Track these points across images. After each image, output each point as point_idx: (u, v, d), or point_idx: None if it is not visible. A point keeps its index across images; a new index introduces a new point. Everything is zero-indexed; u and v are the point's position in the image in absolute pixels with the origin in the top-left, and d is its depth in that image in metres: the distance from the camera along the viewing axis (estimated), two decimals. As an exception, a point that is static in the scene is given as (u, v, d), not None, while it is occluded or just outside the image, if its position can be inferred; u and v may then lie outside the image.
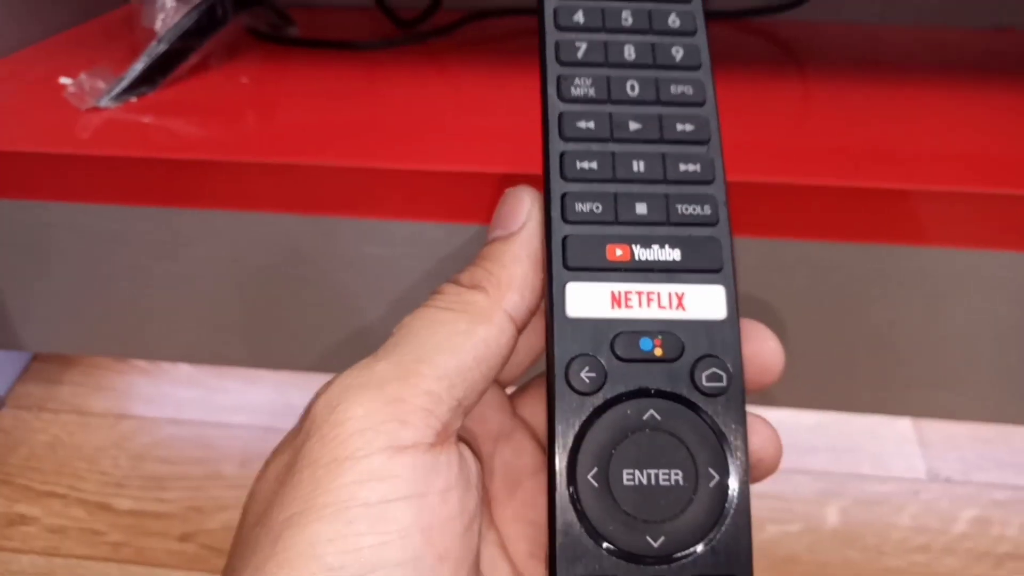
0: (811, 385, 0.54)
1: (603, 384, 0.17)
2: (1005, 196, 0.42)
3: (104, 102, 0.50)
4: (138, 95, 0.51)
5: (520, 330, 0.18)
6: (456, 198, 0.44)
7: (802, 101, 0.50)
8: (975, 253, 0.46)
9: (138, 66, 0.50)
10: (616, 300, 0.17)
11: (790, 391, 0.54)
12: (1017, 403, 0.54)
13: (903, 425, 0.62)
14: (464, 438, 0.18)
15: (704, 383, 0.17)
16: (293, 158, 0.45)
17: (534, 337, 0.20)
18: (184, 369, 0.66)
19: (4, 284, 0.56)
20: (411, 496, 0.15)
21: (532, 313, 0.18)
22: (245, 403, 0.63)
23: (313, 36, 0.58)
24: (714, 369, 0.17)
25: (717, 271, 0.18)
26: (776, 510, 0.57)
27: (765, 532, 0.55)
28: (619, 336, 0.17)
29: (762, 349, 0.18)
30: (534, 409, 0.21)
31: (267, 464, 0.17)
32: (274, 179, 0.46)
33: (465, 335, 0.17)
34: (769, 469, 0.19)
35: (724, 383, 0.17)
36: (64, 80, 0.51)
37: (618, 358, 0.17)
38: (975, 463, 0.60)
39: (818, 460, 0.60)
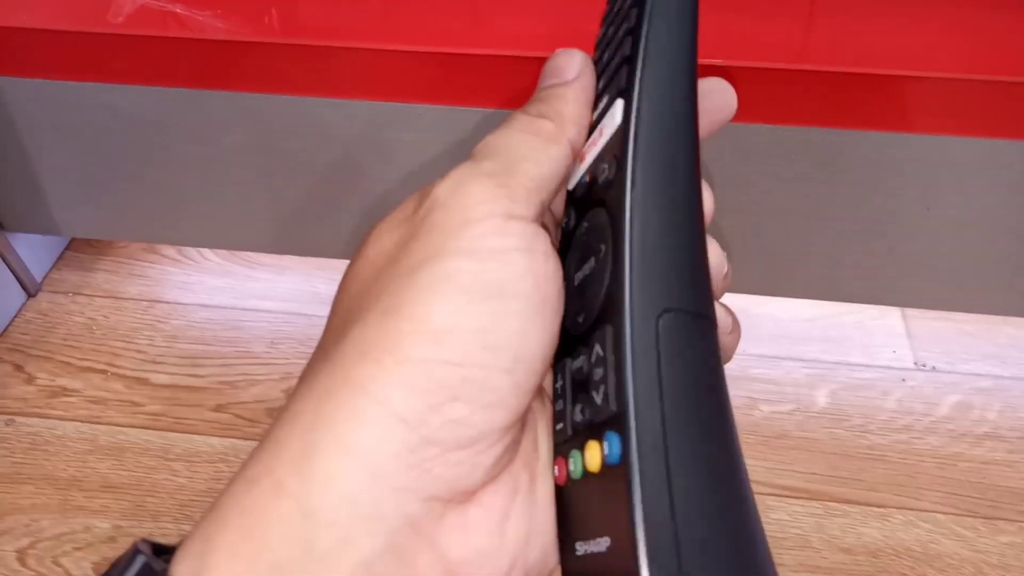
0: (806, 274, 0.58)
1: None
2: (998, 83, 0.45)
3: (138, -11, 0.52)
4: (170, -17, 0.53)
5: (575, 156, 0.21)
6: (485, 82, 0.47)
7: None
8: (968, 141, 0.48)
9: (171, -47, 0.52)
10: None
11: (785, 281, 0.57)
12: (1004, 294, 0.57)
13: (893, 319, 0.65)
14: None
15: None
16: (322, 40, 0.47)
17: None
18: (214, 259, 0.69)
19: (41, 169, 0.59)
20: (524, 249, 0.18)
21: (578, 153, 0.21)
22: (273, 291, 0.66)
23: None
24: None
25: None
26: (769, 392, 0.60)
27: (758, 411, 0.59)
28: None
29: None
30: None
31: (365, 247, 0.20)
32: (303, 61, 0.49)
33: (542, 151, 0.20)
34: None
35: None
36: (97, -32, 0.53)
37: None
38: (960, 355, 0.63)
39: (810, 349, 0.63)
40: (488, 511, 0.18)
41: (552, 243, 0.19)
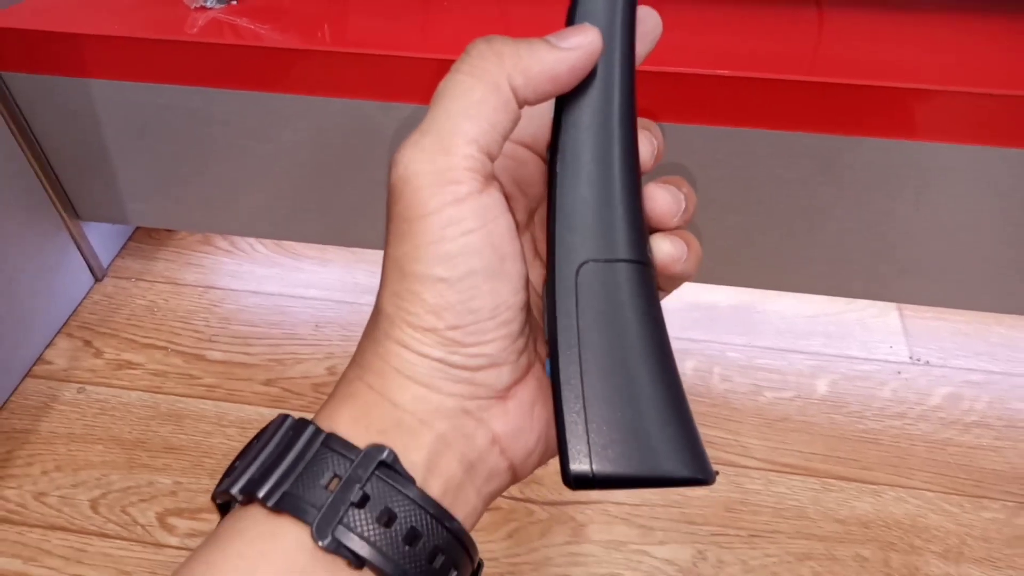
0: (808, 271, 0.62)
1: None
2: (988, 95, 0.50)
3: (210, 2, 0.59)
4: (239, -1, 0.59)
5: (521, 105, 0.23)
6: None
7: (816, 18, 0.57)
8: (959, 148, 0.53)
9: (241, -27, 0.58)
10: None
11: (788, 277, 0.62)
12: (993, 291, 0.61)
13: (891, 318, 0.70)
14: (510, 193, 0.26)
15: None
16: (372, 49, 0.54)
17: None
18: (263, 250, 0.75)
19: (116, 163, 0.65)
20: (477, 228, 0.22)
21: (529, 104, 0.23)
22: (318, 280, 0.72)
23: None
24: None
25: None
26: (772, 380, 0.65)
27: (762, 397, 0.64)
28: None
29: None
30: None
31: None
32: (356, 67, 0.55)
33: (481, 103, 0.21)
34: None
35: None
36: (174, -15, 0.59)
37: None
38: (954, 351, 0.68)
39: (813, 343, 0.68)
40: (520, 401, 0.24)
41: (502, 190, 0.23)
